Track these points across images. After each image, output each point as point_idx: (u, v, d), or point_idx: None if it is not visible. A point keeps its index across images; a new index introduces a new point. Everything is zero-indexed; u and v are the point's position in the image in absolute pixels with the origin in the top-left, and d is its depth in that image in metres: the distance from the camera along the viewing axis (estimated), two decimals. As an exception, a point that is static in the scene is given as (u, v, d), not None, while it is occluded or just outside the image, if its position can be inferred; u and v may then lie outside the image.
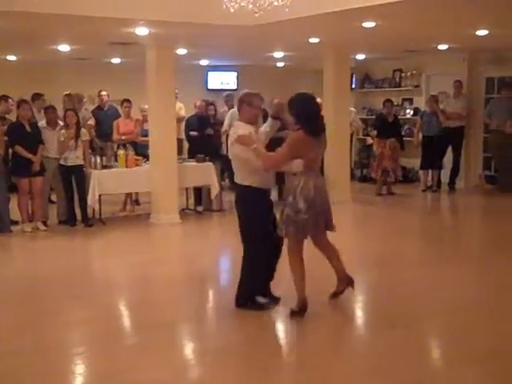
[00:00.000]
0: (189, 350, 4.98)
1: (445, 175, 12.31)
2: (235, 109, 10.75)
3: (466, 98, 12.28)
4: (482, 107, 12.38)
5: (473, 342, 4.78)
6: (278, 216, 5.28)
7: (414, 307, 5.61)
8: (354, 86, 13.88)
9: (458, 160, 12.30)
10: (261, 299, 5.41)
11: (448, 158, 12.25)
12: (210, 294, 6.51)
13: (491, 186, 12.33)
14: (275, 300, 5.50)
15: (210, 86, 14.85)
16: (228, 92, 12.55)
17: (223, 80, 15.08)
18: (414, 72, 13.50)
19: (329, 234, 5.49)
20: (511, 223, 9.51)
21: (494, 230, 9.18)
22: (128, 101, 10.43)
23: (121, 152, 9.43)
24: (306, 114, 5.16)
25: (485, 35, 9.21)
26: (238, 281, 5.49)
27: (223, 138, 10.95)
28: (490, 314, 5.39)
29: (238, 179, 5.31)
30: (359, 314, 5.70)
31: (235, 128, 5.29)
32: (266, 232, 5.22)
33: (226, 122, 10.84)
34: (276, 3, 5.53)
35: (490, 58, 12.09)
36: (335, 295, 5.58)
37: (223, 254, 8.24)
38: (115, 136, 10.33)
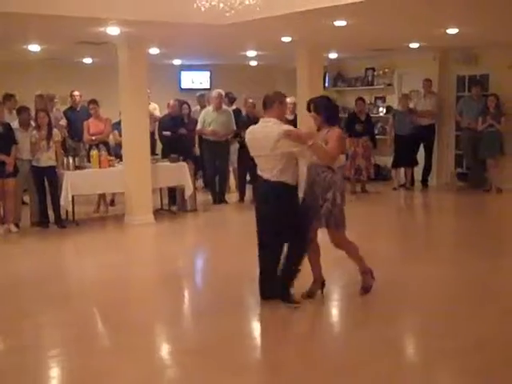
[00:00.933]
0: (165, 351, 4.95)
1: (417, 173, 12.44)
2: (208, 108, 10.91)
3: (437, 96, 12.41)
4: (454, 105, 12.51)
5: (448, 339, 4.82)
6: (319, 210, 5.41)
7: (387, 305, 5.65)
8: (327, 85, 13.97)
9: (430, 158, 12.45)
10: (292, 291, 5.52)
11: (420, 156, 12.37)
12: (186, 294, 6.49)
13: (463, 183, 12.47)
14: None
15: (183, 86, 14.80)
16: (200, 92, 12.56)
17: (196, 79, 15.04)
18: (387, 70, 13.61)
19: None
20: (481, 219, 9.66)
21: (465, 226, 9.30)
22: (95, 101, 10.34)
23: (94, 152, 9.36)
24: (337, 114, 5.77)
25: (455, 34, 9.32)
26: (262, 273, 5.52)
27: (196, 138, 10.98)
28: (464, 311, 5.44)
29: (270, 175, 5.31)
30: (334, 312, 5.73)
31: (274, 124, 5.31)
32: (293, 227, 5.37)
33: (199, 121, 10.85)
34: (247, 2, 5.54)
35: (461, 56, 12.22)
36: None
37: (198, 254, 8.22)
38: (86, 136, 10.27)
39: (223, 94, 11.10)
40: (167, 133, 10.50)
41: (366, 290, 5.75)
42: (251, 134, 5.53)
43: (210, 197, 11.04)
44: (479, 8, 7.25)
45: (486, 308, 5.45)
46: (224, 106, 11.05)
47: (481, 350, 4.54)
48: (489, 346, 4.62)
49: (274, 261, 5.49)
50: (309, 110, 5.63)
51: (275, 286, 5.54)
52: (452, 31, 9.13)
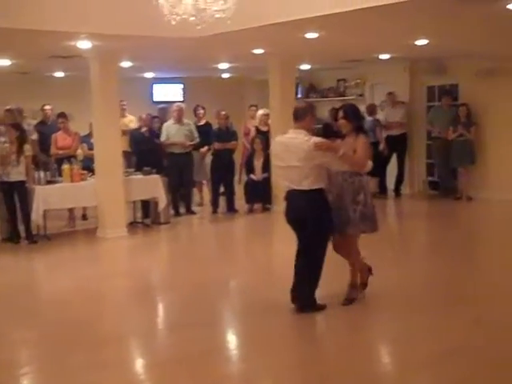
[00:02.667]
0: (139, 364, 4.92)
1: (390, 182, 12.54)
2: (169, 121, 10.91)
3: (405, 107, 12.55)
4: (424, 115, 12.67)
5: (421, 345, 4.86)
6: (350, 216, 5.55)
7: (361, 313, 5.68)
8: (299, 96, 14.04)
9: (402, 167, 12.57)
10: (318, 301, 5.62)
11: (393, 166, 12.49)
12: (160, 307, 6.46)
13: (434, 191, 12.61)
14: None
15: (155, 99, 14.77)
16: (162, 105, 12.56)
17: (169, 92, 15.02)
18: (358, 81, 13.75)
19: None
20: (453, 227, 9.76)
21: (437, 233, 9.40)
22: (64, 115, 10.28)
23: (66, 166, 9.29)
24: (363, 122, 6.02)
25: (424, 45, 9.44)
26: (295, 285, 5.54)
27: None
28: (437, 317, 5.47)
29: (304, 185, 5.38)
30: (309, 321, 5.73)
31: (304, 136, 5.37)
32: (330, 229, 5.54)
33: (162, 135, 10.85)
34: (218, 15, 5.55)
35: (431, 66, 12.38)
36: (364, 285, 5.95)
37: (172, 267, 8.18)
38: (53, 150, 10.17)
39: (183, 106, 11.15)
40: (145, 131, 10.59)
41: (349, 301, 5.77)
42: (281, 144, 5.56)
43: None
44: (447, 20, 7.36)
45: (458, 315, 5.49)
46: (185, 119, 11.09)
47: (453, 358, 4.57)
48: (461, 354, 4.65)
49: (320, 267, 5.58)
50: (335, 118, 5.76)
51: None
52: (421, 42, 9.25)
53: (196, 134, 11.05)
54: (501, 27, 7.99)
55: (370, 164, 5.66)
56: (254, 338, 5.21)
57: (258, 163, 11.09)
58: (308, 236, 5.51)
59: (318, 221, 5.45)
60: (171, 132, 10.85)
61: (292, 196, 5.53)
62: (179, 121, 10.91)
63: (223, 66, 12.37)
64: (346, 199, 5.59)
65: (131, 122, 11.56)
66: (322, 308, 5.61)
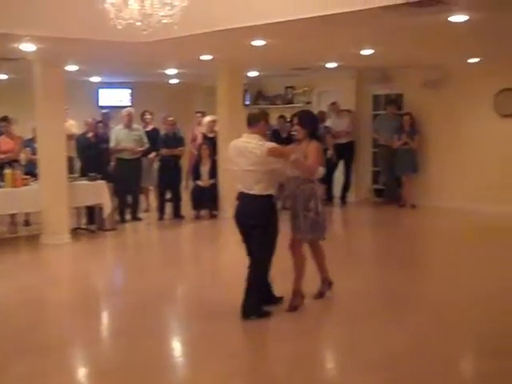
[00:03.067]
0: (81, 373, 4.84)
1: (336, 189, 12.68)
2: (118, 126, 10.79)
3: (350, 115, 12.71)
4: (371, 123, 12.86)
5: (365, 351, 4.92)
6: (302, 222, 5.69)
7: (308, 319, 5.73)
8: (247, 103, 14.08)
9: (349, 174, 12.72)
10: (265, 307, 5.70)
11: (339, 173, 12.64)
12: (104, 314, 6.37)
13: (379, 198, 12.81)
14: (280, 300, 5.90)
15: (101, 103, 14.58)
16: (104, 110, 12.43)
17: (116, 97, 14.85)
18: (306, 89, 13.88)
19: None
20: (397, 234, 9.94)
21: (382, 240, 9.58)
22: (6, 119, 10.08)
23: (8, 171, 9.08)
24: (317, 129, 6.11)
25: (370, 55, 9.59)
26: (245, 293, 5.59)
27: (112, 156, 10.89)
28: (382, 323, 5.55)
29: (255, 190, 5.48)
30: (255, 328, 5.73)
31: (258, 141, 5.47)
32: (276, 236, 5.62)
33: (111, 140, 10.74)
34: (165, 20, 5.52)
35: (377, 76, 12.59)
36: (320, 295, 6.14)
37: (116, 274, 8.08)
38: None
39: (132, 111, 11.07)
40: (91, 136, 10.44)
41: (292, 308, 5.82)
42: (235, 149, 5.62)
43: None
44: (390, 31, 7.49)
45: (401, 321, 5.58)
46: (134, 125, 11.00)
47: (396, 363, 4.64)
48: (403, 359, 4.73)
49: (266, 272, 5.70)
50: (292, 123, 5.92)
51: (269, 295, 5.83)
52: (366, 52, 9.40)
53: (146, 140, 10.98)
54: (443, 39, 8.19)
55: (321, 170, 5.76)
56: (200, 344, 5.18)
57: (204, 169, 11.07)
58: (253, 242, 5.58)
59: (264, 229, 5.52)
60: (121, 137, 10.73)
61: (243, 199, 5.62)
62: (129, 126, 10.82)
63: (171, 71, 12.31)
64: (297, 206, 5.71)
65: (72, 126, 11.40)
66: (267, 315, 5.64)
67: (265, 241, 5.56)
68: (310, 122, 5.87)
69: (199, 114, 12.57)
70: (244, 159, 5.51)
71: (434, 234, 9.98)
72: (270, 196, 5.55)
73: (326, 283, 6.18)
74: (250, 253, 5.69)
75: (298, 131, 5.82)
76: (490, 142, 11.26)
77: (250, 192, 5.52)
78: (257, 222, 5.51)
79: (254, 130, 5.58)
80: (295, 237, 5.81)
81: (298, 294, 5.90)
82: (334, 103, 12.67)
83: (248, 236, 5.63)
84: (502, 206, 10.84)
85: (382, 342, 5.10)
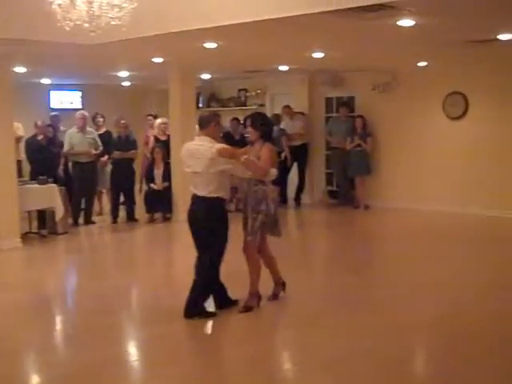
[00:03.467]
0: (34, 380, 4.75)
1: (290, 191, 12.75)
2: (72, 129, 10.66)
3: (303, 118, 12.80)
4: (323, 125, 12.97)
5: (318, 350, 4.96)
6: (251, 224, 5.72)
7: (261, 321, 5.74)
8: (200, 105, 14.06)
9: (303, 176, 12.80)
10: (210, 308, 5.73)
11: (293, 175, 12.71)
12: (56, 320, 6.25)
13: (334, 200, 12.93)
14: (235, 303, 5.90)
15: (52, 106, 14.35)
16: (53, 113, 12.26)
17: (66, 99, 14.64)
18: (259, 91, 13.94)
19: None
20: (351, 235, 10.06)
21: (335, 241, 9.67)
22: None
23: (-46, 175, 8.87)
24: (271, 131, 6.08)
25: (321, 58, 9.68)
26: (190, 293, 5.59)
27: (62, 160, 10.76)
28: (332, 324, 5.59)
29: (205, 192, 5.50)
30: (209, 330, 5.72)
31: (208, 143, 5.50)
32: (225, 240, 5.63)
33: (65, 143, 10.62)
34: (113, 22, 5.48)
35: (328, 79, 12.72)
36: (274, 297, 6.14)
37: (69, 278, 7.97)
38: None
39: (87, 114, 10.96)
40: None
41: (247, 309, 5.83)
42: (187, 151, 5.65)
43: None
44: (339, 35, 7.58)
45: (353, 320, 5.63)
46: (88, 128, 10.89)
47: (349, 362, 4.68)
48: (356, 358, 4.77)
49: (214, 276, 5.70)
50: (245, 125, 5.97)
51: (225, 298, 5.86)
52: (318, 55, 9.48)
53: (100, 143, 10.87)
54: (393, 43, 8.32)
55: (274, 172, 5.79)
56: (153, 348, 5.14)
57: (158, 172, 11.00)
58: (201, 243, 5.61)
59: (212, 232, 5.55)
60: (75, 141, 10.61)
61: (194, 200, 5.65)
62: (83, 129, 10.69)
63: (123, 74, 12.21)
64: (248, 207, 5.74)
65: (18, 129, 11.19)
66: (211, 315, 5.66)
67: (213, 243, 5.58)
68: (263, 124, 5.90)
69: (151, 117, 12.51)
70: (195, 161, 5.53)
71: (387, 235, 10.12)
72: (220, 199, 5.57)
73: (279, 284, 6.21)
74: (198, 254, 5.69)
75: (250, 133, 5.88)
76: (440, 144, 11.47)
77: (201, 194, 5.55)
78: (205, 223, 5.54)
79: (205, 132, 5.61)
80: (246, 238, 5.82)
81: (254, 295, 5.91)
82: (286, 106, 12.74)
83: (198, 238, 5.64)
84: (452, 206, 11.07)
85: (335, 342, 5.14)
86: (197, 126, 5.93)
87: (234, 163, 5.53)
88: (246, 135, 5.99)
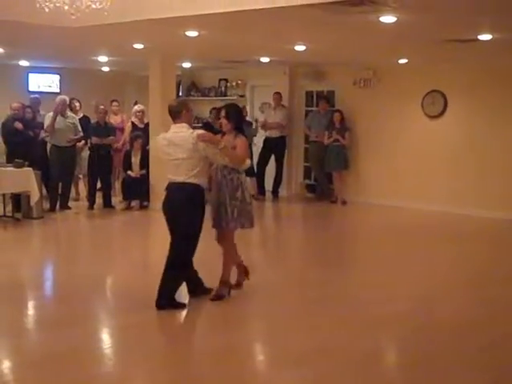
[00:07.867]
0: (4, 365, 4.63)
1: (268, 184, 12.75)
2: (51, 113, 10.55)
3: (286, 109, 12.80)
4: (303, 119, 12.97)
5: (289, 343, 4.95)
6: (230, 211, 5.72)
7: (234, 312, 5.74)
8: (180, 94, 13.98)
9: (280, 169, 12.78)
10: (182, 299, 5.72)
11: (271, 167, 12.71)
12: (30, 305, 6.16)
13: (311, 194, 12.95)
14: (210, 291, 5.90)
15: (31, 88, 14.18)
16: (33, 95, 12.13)
17: (45, 82, 14.48)
18: (239, 82, 13.89)
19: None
20: (327, 230, 10.10)
21: (311, 236, 9.70)
22: None
23: None
24: (242, 122, 6.15)
25: (303, 50, 9.67)
26: (161, 283, 5.56)
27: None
28: (306, 315, 5.63)
29: (187, 176, 5.49)
30: (181, 320, 5.71)
31: (187, 129, 5.55)
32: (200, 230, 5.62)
33: (45, 124, 10.52)
34: (94, 6, 5.43)
35: (309, 72, 12.72)
36: (238, 285, 6.17)
37: (44, 263, 7.88)
38: None
39: (67, 99, 10.86)
40: (19, 125, 10.06)
41: (218, 297, 5.86)
42: (166, 140, 5.61)
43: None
44: (321, 28, 7.57)
45: (326, 313, 5.65)
46: (68, 112, 10.79)
47: (320, 355, 4.68)
48: (328, 351, 4.77)
49: (186, 264, 5.70)
50: (218, 116, 5.93)
51: (199, 286, 5.90)
52: (299, 48, 9.46)
53: (80, 128, 10.77)
54: (374, 38, 8.33)
55: (248, 162, 5.91)
56: (125, 336, 5.12)
57: (135, 160, 10.94)
58: (177, 232, 5.58)
59: (189, 220, 5.53)
60: (56, 125, 10.50)
61: (172, 188, 5.62)
62: (63, 113, 10.59)
63: (103, 58, 12.09)
64: (224, 195, 5.74)
65: None
66: (181, 306, 5.65)
67: (188, 231, 5.56)
68: (236, 116, 5.93)
69: (116, 103, 12.37)
70: (175, 148, 5.53)
71: (363, 230, 10.16)
72: (200, 187, 5.57)
73: (242, 272, 6.21)
74: (172, 243, 5.66)
75: (224, 124, 5.89)
76: (418, 142, 11.54)
77: (181, 179, 5.52)
78: (184, 211, 5.51)
79: (179, 121, 5.61)
80: (222, 226, 5.82)
81: (225, 284, 5.92)
82: (277, 93, 12.64)
83: (172, 226, 5.62)
84: (429, 203, 11.15)
85: (307, 334, 5.15)
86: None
87: (212, 149, 5.54)
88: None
